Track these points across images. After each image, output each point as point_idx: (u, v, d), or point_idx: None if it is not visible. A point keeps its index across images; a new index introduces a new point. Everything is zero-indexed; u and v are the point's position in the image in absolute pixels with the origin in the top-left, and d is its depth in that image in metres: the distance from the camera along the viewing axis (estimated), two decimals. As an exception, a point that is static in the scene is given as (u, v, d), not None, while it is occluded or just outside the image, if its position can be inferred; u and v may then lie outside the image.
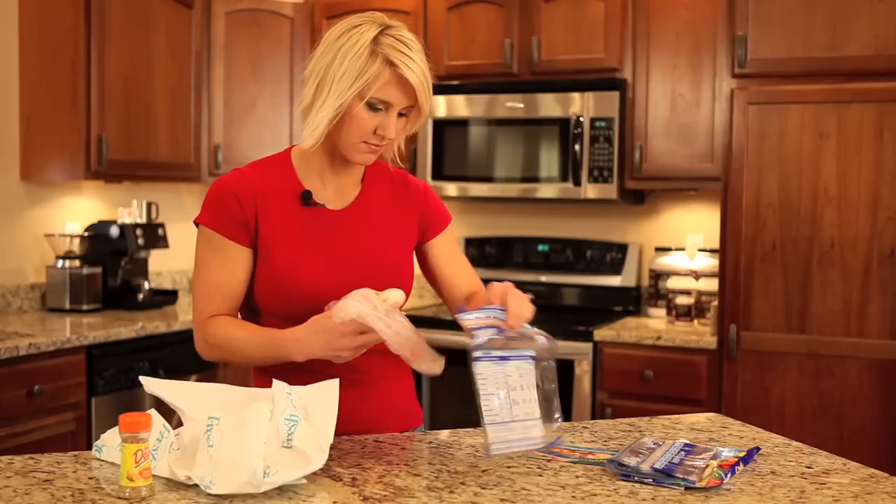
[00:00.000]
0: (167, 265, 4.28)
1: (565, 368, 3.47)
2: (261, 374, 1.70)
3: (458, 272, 1.80)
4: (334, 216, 1.68)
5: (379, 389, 1.69)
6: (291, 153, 1.71)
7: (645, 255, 4.03)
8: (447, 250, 1.80)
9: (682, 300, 3.65)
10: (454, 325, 4.04)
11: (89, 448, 3.05)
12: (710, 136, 3.57)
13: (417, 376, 1.76)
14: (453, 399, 3.74)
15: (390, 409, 1.72)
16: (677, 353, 3.36)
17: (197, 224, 1.66)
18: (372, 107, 1.57)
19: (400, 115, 1.62)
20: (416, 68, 1.56)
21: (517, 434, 1.39)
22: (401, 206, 1.75)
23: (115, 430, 1.37)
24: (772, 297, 3.20)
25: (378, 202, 1.73)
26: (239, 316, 1.70)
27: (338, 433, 1.61)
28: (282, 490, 1.31)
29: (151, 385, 1.44)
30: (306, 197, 1.66)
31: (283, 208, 1.65)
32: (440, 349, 1.54)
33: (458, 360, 4.22)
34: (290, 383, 1.44)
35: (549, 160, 3.74)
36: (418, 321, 4.01)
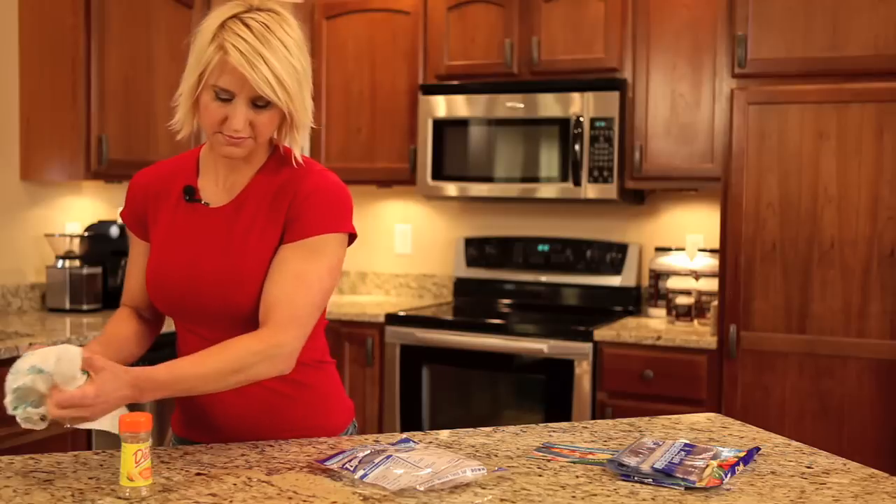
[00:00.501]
0: (167, 265, 4.27)
1: (565, 368, 3.47)
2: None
3: (269, 290, 1.54)
4: (209, 213, 1.62)
5: (310, 391, 1.68)
6: (201, 149, 1.69)
7: (645, 255, 4.03)
8: (281, 263, 1.55)
9: (682, 300, 3.65)
10: (453, 326, 4.04)
11: (89, 448, 3.05)
12: (710, 136, 3.57)
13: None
14: (453, 399, 3.74)
15: (327, 408, 1.71)
16: (677, 353, 3.36)
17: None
18: (216, 95, 1.49)
19: (258, 106, 1.49)
20: (248, 50, 1.44)
21: None
22: (275, 209, 1.58)
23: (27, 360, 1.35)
24: (772, 297, 3.20)
25: (255, 202, 1.60)
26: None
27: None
28: (281, 490, 1.32)
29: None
30: (188, 192, 1.64)
31: (172, 204, 1.65)
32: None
33: (458, 361, 4.22)
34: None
35: (549, 160, 3.74)
36: (417, 321, 4.00)
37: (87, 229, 3.71)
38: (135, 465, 1.28)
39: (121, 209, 1.70)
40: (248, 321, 1.56)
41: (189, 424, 1.69)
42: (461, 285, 4.23)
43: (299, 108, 1.52)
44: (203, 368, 1.46)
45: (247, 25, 1.46)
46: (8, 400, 1.35)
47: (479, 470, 1.36)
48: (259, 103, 1.49)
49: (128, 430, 1.28)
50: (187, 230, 1.62)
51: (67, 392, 1.33)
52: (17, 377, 1.34)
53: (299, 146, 1.60)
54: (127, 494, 1.28)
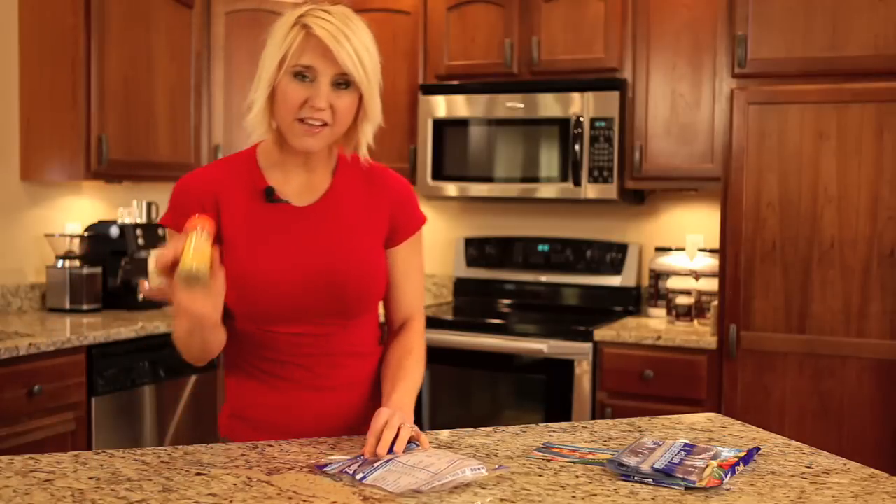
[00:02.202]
0: (167, 265, 4.27)
1: (565, 368, 3.47)
2: (232, 370, 1.69)
3: (405, 291, 1.74)
4: (299, 212, 1.63)
5: (349, 393, 1.69)
6: (257, 150, 1.67)
7: (645, 255, 4.03)
8: (406, 261, 1.73)
9: (682, 300, 3.65)
10: (453, 326, 4.04)
11: (89, 448, 3.05)
12: (710, 136, 3.57)
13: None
14: (453, 399, 3.74)
15: (360, 411, 1.71)
16: (677, 353, 3.36)
17: (162, 225, 1.65)
18: (297, 75, 1.52)
19: (339, 85, 1.53)
20: (330, 27, 1.50)
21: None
22: (374, 203, 1.68)
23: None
24: (772, 297, 3.20)
25: (349, 198, 1.66)
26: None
27: (310, 435, 1.65)
28: (281, 490, 1.32)
29: None
30: (269, 193, 1.61)
31: (245, 205, 1.61)
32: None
33: (458, 361, 4.22)
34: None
35: (549, 160, 3.74)
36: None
37: (87, 229, 3.71)
38: (188, 250, 1.37)
39: (162, 214, 1.64)
40: (357, 312, 1.66)
41: (260, 429, 1.66)
42: (461, 285, 4.23)
43: (372, 95, 1.57)
44: (420, 380, 1.67)
45: (328, 13, 1.52)
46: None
47: (479, 470, 1.36)
48: (340, 83, 1.53)
49: (187, 229, 1.39)
50: (278, 230, 1.60)
51: None
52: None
53: (367, 140, 1.64)
54: (184, 276, 1.37)
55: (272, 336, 1.62)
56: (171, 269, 1.40)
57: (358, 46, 1.52)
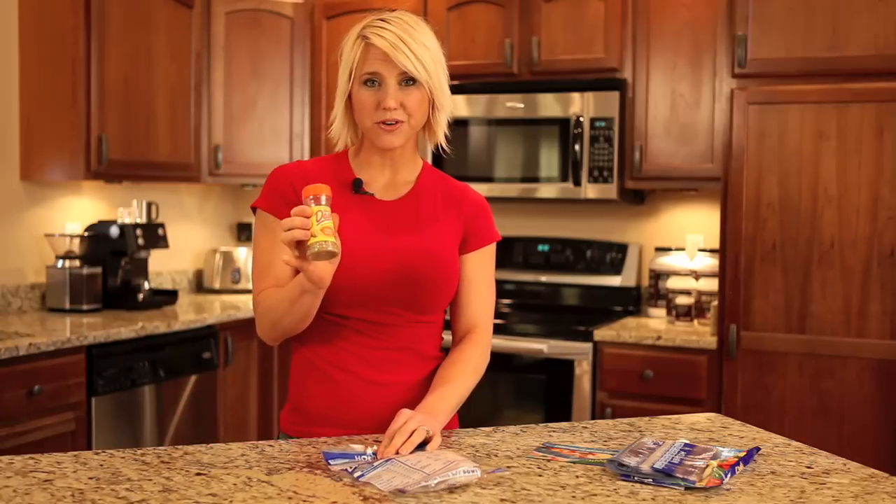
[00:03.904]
0: (167, 265, 4.28)
1: (565, 368, 3.47)
2: (297, 362, 1.75)
3: (470, 299, 1.77)
4: (382, 205, 1.73)
5: (406, 393, 1.70)
6: (349, 152, 1.79)
7: (645, 255, 4.03)
8: (474, 271, 1.78)
9: (682, 300, 3.65)
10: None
11: (89, 448, 3.05)
12: (710, 136, 3.57)
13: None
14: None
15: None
16: (677, 353, 3.36)
17: (254, 209, 1.73)
18: (366, 83, 1.65)
19: (406, 83, 1.65)
20: (386, 34, 1.62)
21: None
22: (451, 211, 1.77)
23: None
24: (772, 297, 3.20)
25: (428, 201, 1.76)
26: None
27: (366, 431, 1.67)
28: (281, 490, 1.32)
29: None
30: (357, 184, 1.72)
31: (334, 194, 1.69)
32: None
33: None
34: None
35: (549, 160, 3.74)
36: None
37: (87, 229, 3.71)
38: (317, 222, 1.45)
39: (255, 199, 1.73)
40: (424, 306, 1.70)
41: (314, 422, 1.71)
42: (461, 285, 4.22)
43: (438, 87, 1.68)
44: (465, 390, 1.69)
45: (385, 21, 1.65)
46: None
47: (472, 472, 1.35)
48: (406, 82, 1.64)
49: (308, 195, 1.48)
50: (363, 219, 1.69)
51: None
52: None
53: (442, 129, 1.76)
54: (315, 249, 1.45)
55: (339, 322, 1.68)
56: (298, 242, 1.48)
57: (415, 46, 1.63)
